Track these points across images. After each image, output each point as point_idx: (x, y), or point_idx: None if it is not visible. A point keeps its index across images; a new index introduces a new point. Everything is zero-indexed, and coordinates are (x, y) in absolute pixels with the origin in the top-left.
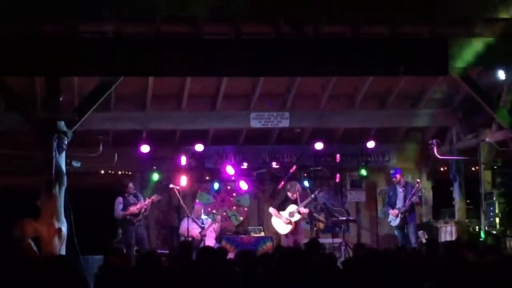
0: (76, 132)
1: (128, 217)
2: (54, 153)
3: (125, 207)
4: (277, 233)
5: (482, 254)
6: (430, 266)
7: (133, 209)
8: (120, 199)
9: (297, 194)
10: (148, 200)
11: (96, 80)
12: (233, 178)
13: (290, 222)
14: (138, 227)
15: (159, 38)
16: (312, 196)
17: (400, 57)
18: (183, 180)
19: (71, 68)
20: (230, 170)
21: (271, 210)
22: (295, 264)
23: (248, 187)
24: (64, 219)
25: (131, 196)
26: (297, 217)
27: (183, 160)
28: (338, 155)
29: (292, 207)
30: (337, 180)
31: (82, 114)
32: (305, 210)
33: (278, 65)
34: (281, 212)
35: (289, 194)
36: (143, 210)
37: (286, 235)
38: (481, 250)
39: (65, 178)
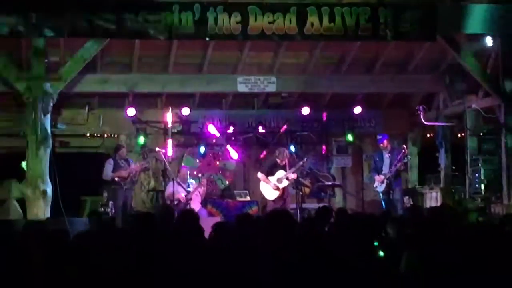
0: (61, 94)
1: (116, 179)
2: (39, 114)
3: (115, 169)
4: (264, 198)
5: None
6: (412, 233)
7: (123, 172)
8: (110, 160)
9: (286, 160)
10: (137, 165)
11: (83, 41)
12: (214, 140)
13: (277, 188)
14: (127, 190)
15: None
16: (301, 163)
17: (388, 22)
18: (169, 144)
19: (58, 28)
20: (212, 129)
21: (260, 175)
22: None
23: (238, 156)
24: (49, 181)
25: (122, 160)
26: (285, 183)
27: (169, 123)
28: (324, 114)
29: (280, 173)
30: (323, 146)
31: (68, 76)
32: (293, 176)
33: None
34: (269, 177)
35: (278, 160)
36: (131, 174)
37: (273, 200)
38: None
39: (50, 140)
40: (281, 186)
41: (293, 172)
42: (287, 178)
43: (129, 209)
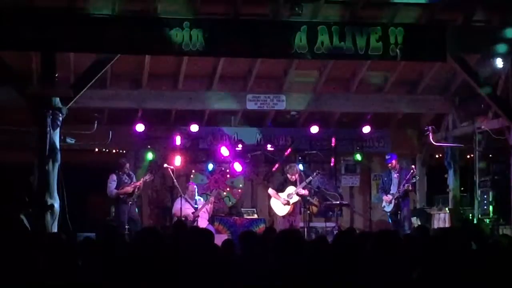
0: (71, 109)
1: (121, 196)
2: (48, 129)
3: (118, 186)
4: (273, 215)
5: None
6: (419, 252)
7: (127, 188)
8: (113, 176)
9: (296, 175)
10: (141, 181)
11: (93, 57)
12: (228, 159)
13: (288, 203)
14: (131, 206)
15: (157, 16)
16: (311, 177)
17: (398, 42)
18: (177, 160)
19: (68, 43)
20: (225, 151)
21: (270, 191)
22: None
23: (242, 169)
24: (56, 196)
25: (125, 175)
26: (295, 198)
27: (178, 140)
28: (333, 139)
29: (290, 189)
30: (331, 164)
31: (78, 91)
32: (304, 192)
33: (275, 46)
34: (279, 194)
35: (288, 175)
36: (136, 189)
37: (283, 216)
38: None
39: (59, 154)
40: (291, 201)
41: (303, 188)
42: (297, 194)
43: (139, 225)
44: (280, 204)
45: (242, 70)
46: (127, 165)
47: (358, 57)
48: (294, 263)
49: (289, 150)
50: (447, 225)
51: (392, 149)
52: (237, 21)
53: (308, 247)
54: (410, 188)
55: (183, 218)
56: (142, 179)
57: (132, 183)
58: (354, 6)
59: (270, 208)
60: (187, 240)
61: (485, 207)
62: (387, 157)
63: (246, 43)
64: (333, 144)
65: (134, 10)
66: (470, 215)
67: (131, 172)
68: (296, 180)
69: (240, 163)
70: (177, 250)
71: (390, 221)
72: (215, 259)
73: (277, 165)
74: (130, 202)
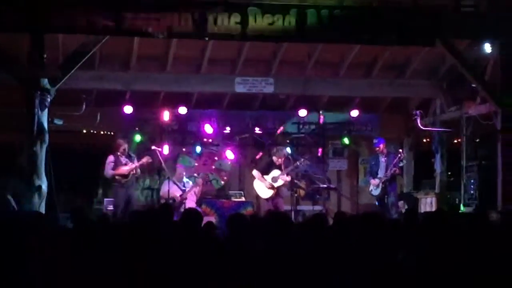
0: (59, 90)
1: (117, 177)
2: (36, 110)
3: (115, 167)
4: (257, 197)
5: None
6: (407, 236)
7: (122, 169)
8: (111, 157)
9: (282, 159)
10: (138, 162)
11: (81, 38)
12: (211, 140)
13: (272, 187)
14: (128, 189)
15: None
16: (298, 163)
17: (388, 26)
18: (166, 148)
19: (57, 25)
20: (208, 128)
21: (255, 173)
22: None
23: (235, 157)
24: (44, 177)
25: (123, 156)
26: (279, 182)
27: (166, 115)
28: (321, 117)
29: (275, 172)
30: (319, 149)
31: (66, 72)
32: (288, 178)
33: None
34: (264, 176)
35: (274, 158)
36: (133, 171)
37: (267, 199)
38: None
39: (47, 135)
40: (276, 185)
41: (287, 173)
42: (282, 178)
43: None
44: (264, 187)
45: (231, 53)
46: (126, 146)
47: (348, 41)
48: (282, 245)
49: (281, 128)
50: (433, 209)
51: (380, 133)
52: (226, 4)
53: (297, 230)
54: (398, 172)
55: (171, 201)
56: (138, 161)
57: (128, 164)
58: None
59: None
60: (171, 223)
61: (472, 192)
62: (375, 141)
63: (234, 26)
64: (321, 121)
65: None
66: (457, 199)
67: (132, 154)
68: (281, 164)
69: (231, 151)
70: (161, 233)
71: (377, 204)
72: (198, 243)
73: (265, 149)
74: (127, 184)
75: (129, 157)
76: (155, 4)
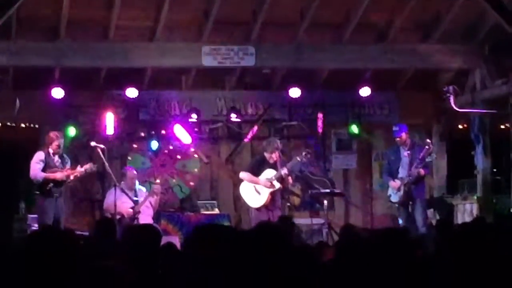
0: None
1: (49, 184)
2: None
3: (45, 169)
4: (241, 209)
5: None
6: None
7: (58, 174)
8: (41, 154)
9: (277, 154)
10: (80, 169)
11: None
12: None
13: (272, 186)
14: (58, 200)
15: None
16: (298, 158)
17: None
18: (110, 137)
19: None
20: (179, 131)
21: (243, 174)
22: None
23: (193, 142)
24: None
25: (57, 156)
26: (276, 185)
27: (110, 108)
28: (320, 97)
29: (269, 173)
30: (318, 140)
31: None
32: (287, 171)
33: None
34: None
35: (266, 155)
36: (68, 179)
37: (258, 209)
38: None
39: None
40: (270, 190)
41: (287, 172)
42: (278, 178)
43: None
44: (254, 192)
45: (195, 13)
46: (61, 141)
47: None
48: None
49: (261, 119)
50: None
51: (400, 118)
52: None
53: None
54: (423, 171)
55: (118, 216)
56: (81, 167)
57: (65, 169)
58: None
59: (237, 200)
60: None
61: None
62: (394, 128)
63: None
64: (320, 114)
65: None
66: (506, 206)
67: (65, 155)
68: (275, 162)
69: (192, 138)
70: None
71: (398, 215)
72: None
73: (245, 141)
74: (57, 195)
75: (62, 158)
76: None
